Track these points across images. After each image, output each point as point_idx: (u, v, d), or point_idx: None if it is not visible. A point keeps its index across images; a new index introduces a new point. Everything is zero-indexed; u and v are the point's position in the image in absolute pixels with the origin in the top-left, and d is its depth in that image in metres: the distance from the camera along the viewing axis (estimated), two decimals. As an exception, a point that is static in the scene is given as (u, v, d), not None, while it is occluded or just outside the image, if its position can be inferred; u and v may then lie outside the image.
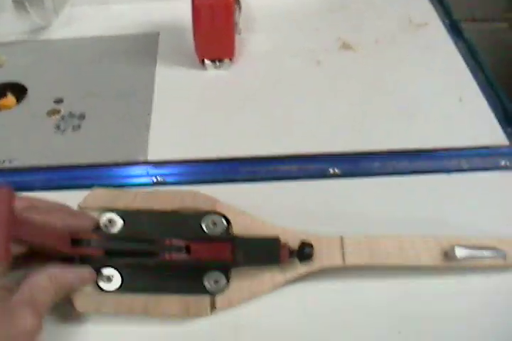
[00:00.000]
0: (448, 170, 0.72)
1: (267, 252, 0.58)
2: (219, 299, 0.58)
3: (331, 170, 0.72)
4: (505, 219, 0.67)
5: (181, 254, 0.58)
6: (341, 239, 0.60)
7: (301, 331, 0.58)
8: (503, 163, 0.74)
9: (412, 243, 0.60)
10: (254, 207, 0.67)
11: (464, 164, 0.74)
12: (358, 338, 0.58)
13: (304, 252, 0.58)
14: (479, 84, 0.84)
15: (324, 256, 0.59)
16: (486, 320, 0.59)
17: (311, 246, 0.58)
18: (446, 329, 0.58)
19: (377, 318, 0.59)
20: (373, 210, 0.68)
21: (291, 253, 0.58)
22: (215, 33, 0.81)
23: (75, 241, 0.57)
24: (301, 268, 0.59)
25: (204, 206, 0.62)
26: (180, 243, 0.58)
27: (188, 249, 0.58)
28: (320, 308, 0.59)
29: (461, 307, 0.60)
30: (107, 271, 0.59)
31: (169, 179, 0.72)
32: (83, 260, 0.57)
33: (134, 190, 0.66)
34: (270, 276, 0.59)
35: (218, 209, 0.62)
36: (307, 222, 0.64)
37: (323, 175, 0.72)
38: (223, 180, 0.72)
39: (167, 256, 0.58)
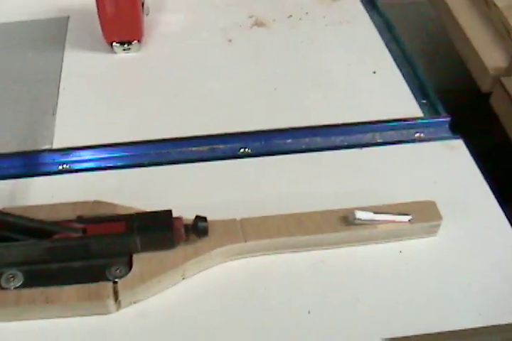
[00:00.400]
0: (362, 145, 0.71)
1: (161, 223, 0.57)
2: (121, 283, 0.55)
3: (242, 150, 0.70)
4: (420, 190, 0.66)
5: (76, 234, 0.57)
6: (240, 220, 0.60)
7: (211, 312, 0.56)
8: (417, 135, 0.73)
9: (310, 216, 0.60)
10: (163, 191, 0.65)
11: (378, 138, 0.73)
12: (265, 318, 0.56)
13: (199, 226, 0.57)
14: (394, 57, 0.83)
15: (224, 236, 0.58)
16: (397, 287, 0.58)
17: (205, 220, 0.57)
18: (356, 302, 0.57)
19: (287, 298, 0.57)
20: (287, 188, 0.66)
21: (187, 228, 0.57)
22: (120, 14, 0.79)
23: None
24: (202, 247, 0.58)
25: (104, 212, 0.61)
26: (76, 226, 0.57)
27: (84, 232, 0.57)
28: (227, 290, 0.58)
29: (370, 277, 0.59)
30: (8, 272, 0.56)
31: (76, 166, 0.69)
32: None
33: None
34: (171, 256, 0.57)
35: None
36: (218, 203, 0.63)
37: (235, 154, 0.70)
38: (132, 165, 0.69)
39: (63, 236, 0.56)
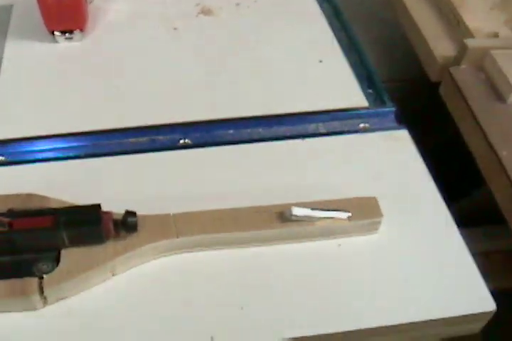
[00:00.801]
0: (305, 136, 0.70)
1: (88, 217, 0.55)
2: (47, 279, 0.54)
3: (182, 141, 0.69)
4: (363, 183, 0.65)
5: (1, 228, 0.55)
6: (173, 215, 0.58)
7: (140, 309, 0.55)
8: (361, 125, 0.72)
9: (246, 212, 0.59)
10: (99, 184, 0.64)
11: (322, 128, 0.72)
12: (196, 315, 0.55)
13: (128, 221, 0.55)
14: (342, 45, 0.82)
15: (156, 232, 0.57)
16: (332, 283, 0.57)
17: (134, 214, 0.56)
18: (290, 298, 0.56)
19: (219, 293, 0.56)
20: (225, 181, 0.65)
21: (116, 223, 0.55)
22: (61, 1, 0.77)
23: None
24: (132, 243, 0.56)
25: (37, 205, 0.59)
26: (2, 219, 0.55)
27: (10, 225, 0.55)
28: (157, 287, 0.56)
29: (305, 273, 0.58)
30: None
31: (11, 158, 0.68)
32: None
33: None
34: (100, 252, 0.55)
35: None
36: (155, 197, 0.62)
37: (174, 146, 0.68)
38: (69, 157, 0.68)
39: None
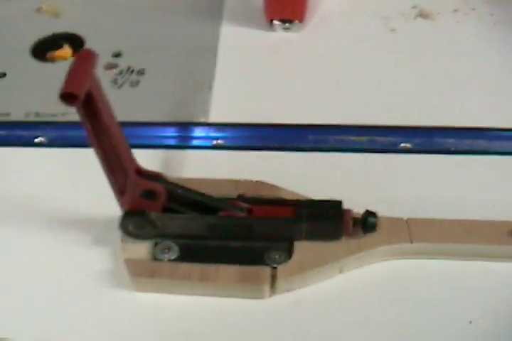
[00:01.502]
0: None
1: (330, 213, 0.55)
2: (280, 270, 0.54)
3: (403, 145, 0.68)
4: None
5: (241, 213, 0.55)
6: (407, 220, 0.57)
7: (366, 309, 0.54)
8: None
9: (479, 225, 0.57)
10: (317, 179, 0.63)
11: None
12: (418, 322, 0.53)
13: (368, 221, 0.55)
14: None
15: (390, 235, 0.56)
16: None
17: (375, 215, 0.55)
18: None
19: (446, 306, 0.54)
20: (448, 191, 0.63)
21: (355, 222, 0.55)
22: (287, -8, 0.77)
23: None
24: (366, 243, 0.56)
25: (267, 194, 0.59)
26: (242, 205, 0.56)
27: (249, 212, 0.55)
28: (383, 289, 0.55)
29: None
30: (164, 243, 0.56)
31: (230, 143, 0.68)
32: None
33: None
34: (333, 249, 0.55)
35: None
36: (371, 198, 0.60)
37: (394, 149, 0.67)
38: (286, 148, 0.68)
39: (228, 213, 0.55)
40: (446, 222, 0.57)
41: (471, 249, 0.57)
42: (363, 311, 0.54)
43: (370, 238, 0.56)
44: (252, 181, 0.60)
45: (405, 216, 0.58)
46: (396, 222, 0.57)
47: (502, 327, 0.53)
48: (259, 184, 0.60)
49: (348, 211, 0.55)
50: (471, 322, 0.53)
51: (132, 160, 0.53)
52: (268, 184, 0.60)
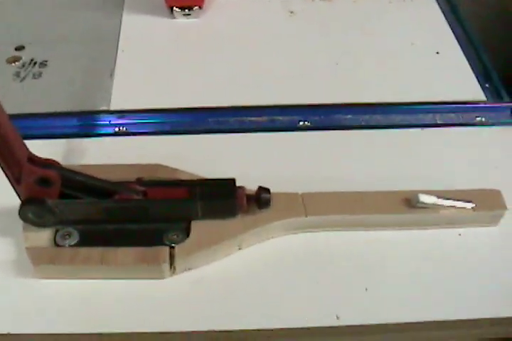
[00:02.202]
0: (422, 125, 0.70)
1: (224, 191, 0.56)
2: (178, 249, 0.55)
3: (302, 123, 0.69)
4: (480, 175, 0.65)
5: (137, 196, 0.56)
6: (302, 194, 0.59)
7: (265, 283, 0.55)
8: (478, 119, 0.71)
9: (372, 196, 0.59)
10: (219, 160, 0.64)
11: (438, 119, 0.71)
12: (318, 291, 0.55)
13: (262, 197, 0.56)
14: (457, 38, 0.82)
15: (285, 209, 0.57)
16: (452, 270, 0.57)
17: (268, 191, 0.56)
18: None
19: (344, 274, 0.56)
20: (344, 164, 0.65)
21: (249, 198, 0.56)
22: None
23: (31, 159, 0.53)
24: (262, 219, 0.57)
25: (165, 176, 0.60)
26: (137, 188, 0.56)
27: (144, 194, 0.56)
28: (281, 263, 0.57)
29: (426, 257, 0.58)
30: (65, 230, 0.56)
31: (132, 129, 0.69)
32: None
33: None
34: (230, 226, 0.56)
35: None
36: (272, 175, 0.61)
37: (294, 127, 0.69)
38: (189, 131, 0.69)
39: (123, 197, 0.55)
40: (340, 194, 0.59)
41: (366, 219, 0.58)
42: (263, 285, 0.55)
43: (265, 214, 0.57)
44: (149, 165, 0.61)
45: (303, 191, 0.59)
46: (291, 197, 0.58)
47: (396, 293, 0.55)
48: (157, 167, 0.61)
49: (241, 188, 0.56)
50: (366, 289, 0.55)
51: (24, 149, 0.53)
52: (166, 166, 0.61)
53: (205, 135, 0.68)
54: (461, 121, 0.72)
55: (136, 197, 0.56)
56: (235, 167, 0.63)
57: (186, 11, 0.81)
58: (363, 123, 0.70)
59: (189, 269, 0.56)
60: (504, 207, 0.59)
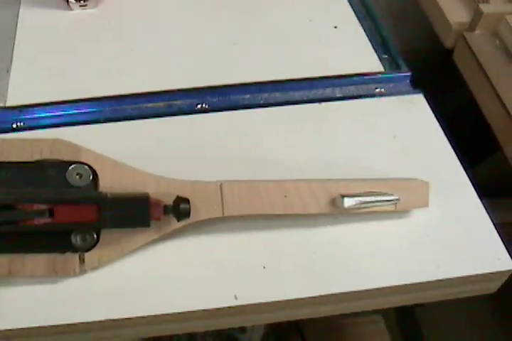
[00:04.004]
0: (321, 100, 0.70)
1: (136, 213, 0.53)
2: (88, 256, 0.54)
3: (199, 106, 0.69)
4: (380, 145, 0.66)
5: (44, 219, 0.52)
6: (220, 186, 0.55)
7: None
8: (377, 90, 0.72)
9: (296, 190, 0.56)
10: (121, 150, 0.63)
11: (338, 92, 0.72)
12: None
13: (180, 209, 0.53)
14: (356, 12, 0.82)
15: (201, 207, 0.55)
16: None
17: (187, 201, 0.53)
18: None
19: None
20: (247, 145, 0.65)
21: (166, 209, 0.53)
22: (75, -32, 0.77)
23: None
24: (176, 223, 0.55)
25: (66, 156, 0.55)
26: (42, 207, 0.52)
27: (51, 213, 0.52)
28: (196, 262, 0.56)
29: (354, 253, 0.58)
30: None
31: (31, 123, 0.68)
32: None
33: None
34: (142, 231, 0.54)
35: (83, 159, 0.55)
36: (179, 163, 0.62)
37: (191, 110, 0.69)
38: (87, 122, 0.68)
39: (28, 222, 0.52)
40: (262, 187, 0.56)
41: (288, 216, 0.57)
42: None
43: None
44: (48, 140, 0.55)
45: (214, 177, 0.57)
46: (207, 190, 0.55)
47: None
48: (58, 143, 0.55)
49: (157, 204, 0.53)
50: (264, 267, 0.55)
51: None
52: (66, 142, 0.55)
53: (103, 124, 0.67)
54: (360, 92, 0.72)
55: (44, 220, 0.52)
56: (136, 154, 0.62)
57: (82, 2, 0.80)
58: (261, 102, 0.70)
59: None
60: (426, 203, 0.59)
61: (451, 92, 0.96)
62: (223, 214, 0.55)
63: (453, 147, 0.66)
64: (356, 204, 0.56)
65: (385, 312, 1.37)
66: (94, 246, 0.54)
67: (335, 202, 0.56)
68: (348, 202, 0.55)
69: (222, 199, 0.55)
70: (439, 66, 0.96)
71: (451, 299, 0.60)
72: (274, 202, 0.55)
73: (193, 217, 0.54)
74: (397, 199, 0.57)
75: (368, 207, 0.57)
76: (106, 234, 0.54)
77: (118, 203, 0.53)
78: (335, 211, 0.57)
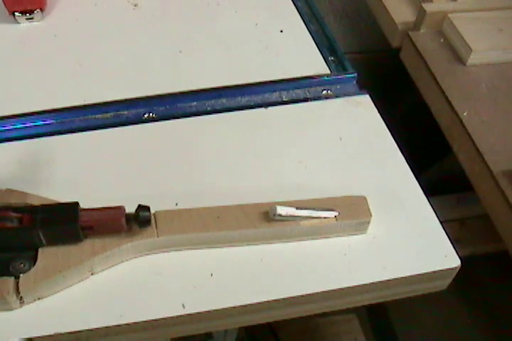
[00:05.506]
0: (268, 104, 0.71)
1: (66, 216, 0.54)
2: (23, 279, 0.53)
3: (146, 115, 0.69)
4: (328, 145, 0.67)
5: None
6: (154, 213, 0.57)
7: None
8: (324, 92, 0.73)
9: (229, 210, 0.58)
10: (65, 163, 0.64)
11: (285, 96, 0.72)
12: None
13: (140, 216, 0.55)
14: (302, 15, 0.83)
15: (135, 231, 0.56)
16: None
17: (148, 209, 0.55)
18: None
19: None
20: (193, 154, 0.66)
21: (128, 218, 0.55)
22: (19, -18, 0.76)
23: None
24: (111, 242, 0.55)
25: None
26: None
27: None
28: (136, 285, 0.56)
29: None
30: None
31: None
32: None
33: None
34: (77, 251, 0.55)
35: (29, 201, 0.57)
36: (123, 175, 0.63)
37: (139, 120, 0.69)
38: (35, 135, 0.68)
39: None
40: (194, 211, 0.58)
41: (224, 236, 0.57)
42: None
43: (114, 237, 0.55)
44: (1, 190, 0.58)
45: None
46: None
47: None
48: (9, 192, 0.58)
49: (119, 208, 0.55)
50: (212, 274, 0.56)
51: None
52: (15, 191, 0.58)
53: (48, 138, 0.67)
54: (307, 95, 0.73)
55: None
56: (85, 168, 0.63)
57: (27, 15, 0.80)
58: (208, 109, 0.71)
59: (39, 299, 0.54)
60: (369, 215, 0.58)
61: (404, 92, 0.97)
62: (158, 236, 0.56)
63: (404, 146, 0.67)
64: (288, 213, 0.56)
65: (358, 311, 1.38)
66: (29, 269, 0.54)
67: (268, 214, 0.57)
68: (281, 210, 0.56)
69: (156, 223, 0.56)
70: (392, 66, 0.97)
71: (419, 295, 0.61)
72: (207, 222, 0.57)
73: (127, 239, 0.55)
74: (334, 212, 0.57)
75: (304, 218, 0.57)
76: (43, 258, 0.54)
77: (48, 209, 0.55)
78: (269, 224, 0.57)
